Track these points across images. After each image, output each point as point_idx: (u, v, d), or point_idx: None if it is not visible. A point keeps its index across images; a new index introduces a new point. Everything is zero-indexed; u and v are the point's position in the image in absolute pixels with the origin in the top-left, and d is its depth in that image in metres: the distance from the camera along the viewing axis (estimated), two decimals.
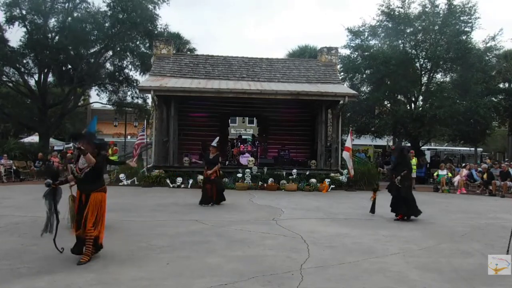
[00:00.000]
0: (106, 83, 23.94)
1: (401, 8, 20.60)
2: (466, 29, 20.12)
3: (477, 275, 4.97)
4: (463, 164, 19.19)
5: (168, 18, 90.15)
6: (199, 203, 10.32)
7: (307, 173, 15.28)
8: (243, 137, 20.21)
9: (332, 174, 15.30)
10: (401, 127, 20.89)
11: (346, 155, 14.82)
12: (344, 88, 17.33)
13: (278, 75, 18.30)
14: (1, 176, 15.79)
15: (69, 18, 21.15)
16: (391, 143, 26.53)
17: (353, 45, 21.85)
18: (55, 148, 26.92)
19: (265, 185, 14.53)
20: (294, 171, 15.03)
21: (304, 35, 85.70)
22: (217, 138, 11.42)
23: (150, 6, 21.57)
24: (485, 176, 15.88)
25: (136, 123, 29.14)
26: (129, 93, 24.12)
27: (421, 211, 8.95)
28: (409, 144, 21.87)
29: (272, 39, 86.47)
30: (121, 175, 15.12)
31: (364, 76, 22.45)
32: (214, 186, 10.36)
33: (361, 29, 21.59)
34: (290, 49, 32.96)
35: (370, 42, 22.04)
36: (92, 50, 22.62)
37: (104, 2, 20.87)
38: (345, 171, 15.48)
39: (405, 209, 8.89)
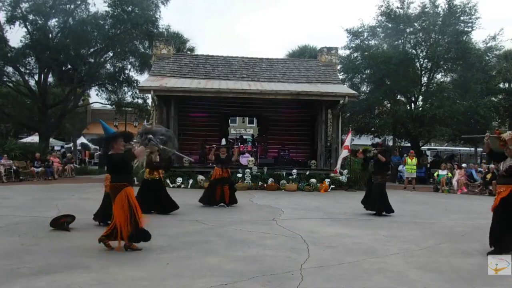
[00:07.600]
0: (106, 83, 23.93)
1: (401, 8, 20.61)
2: (466, 29, 20.10)
3: (477, 275, 4.97)
4: (461, 164, 19.13)
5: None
6: (204, 202, 10.14)
7: (307, 173, 15.28)
8: (243, 137, 20.22)
9: (332, 174, 15.29)
10: (401, 127, 20.88)
11: (344, 153, 14.88)
12: (344, 88, 17.33)
13: (278, 75, 18.30)
14: (1, 176, 15.78)
15: (70, 19, 21.14)
16: (390, 143, 26.52)
17: (353, 45, 21.86)
18: (55, 148, 26.95)
19: (265, 185, 14.53)
20: (294, 171, 15.04)
21: (296, 32, 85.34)
22: (223, 139, 11.40)
23: (151, 13, 21.52)
24: (488, 176, 15.79)
25: (136, 123, 29.13)
26: (129, 93, 24.14)
27: (393, 210, 9.34)
28: (408, 144, 21.87)
29: (269, 38, 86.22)
30: None
31: (364, 76, 22.45)
32: (227, 188, 10.12)
33: (360, 30, 21.60)
34: (290, 49, 32.99)
35: (370, 42, 22.05)
36: (92, 50, 22.61)
37: (105, 2, 20.85)
38: (345, 171, 15.50)
39: (377, 205, 9.35)
